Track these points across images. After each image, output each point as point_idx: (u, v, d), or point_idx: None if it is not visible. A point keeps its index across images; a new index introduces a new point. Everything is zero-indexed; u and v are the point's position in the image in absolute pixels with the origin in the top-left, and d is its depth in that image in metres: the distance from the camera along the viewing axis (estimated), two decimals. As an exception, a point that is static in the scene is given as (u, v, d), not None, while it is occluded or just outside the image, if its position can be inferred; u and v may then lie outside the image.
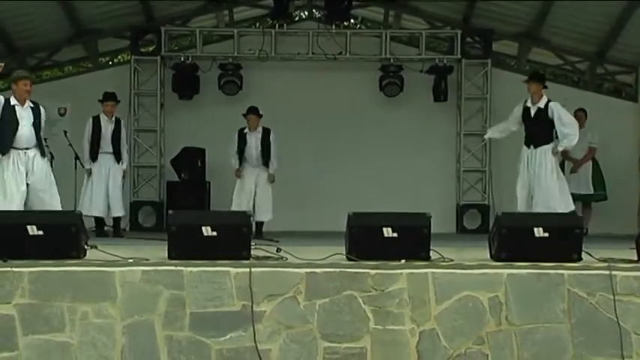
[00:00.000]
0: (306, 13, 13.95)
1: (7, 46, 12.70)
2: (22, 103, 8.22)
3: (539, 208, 8.72)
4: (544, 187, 8.89)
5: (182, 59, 12.91)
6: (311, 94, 12.73)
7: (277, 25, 13.01)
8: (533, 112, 9.05)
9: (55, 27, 12.68)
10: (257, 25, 13.79)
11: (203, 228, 6.54)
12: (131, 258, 6.60)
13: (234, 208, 10.52)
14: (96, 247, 7.06)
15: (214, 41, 13.32)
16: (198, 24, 13.43)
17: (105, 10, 12.59)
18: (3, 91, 12.91)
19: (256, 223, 10.49)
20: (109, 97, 10.81)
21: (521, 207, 9.04)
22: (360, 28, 14.16)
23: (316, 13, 13.77)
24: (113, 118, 10.72)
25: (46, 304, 6.25)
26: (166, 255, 6.58)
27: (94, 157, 10.53)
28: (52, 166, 8.68)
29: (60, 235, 6.56)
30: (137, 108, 12.72)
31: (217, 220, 6.75)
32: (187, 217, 7.01)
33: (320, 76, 12.88)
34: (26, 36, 12.65)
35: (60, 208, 8.14)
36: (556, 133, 9.01)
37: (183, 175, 12.29)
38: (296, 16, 13.72)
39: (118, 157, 10.67)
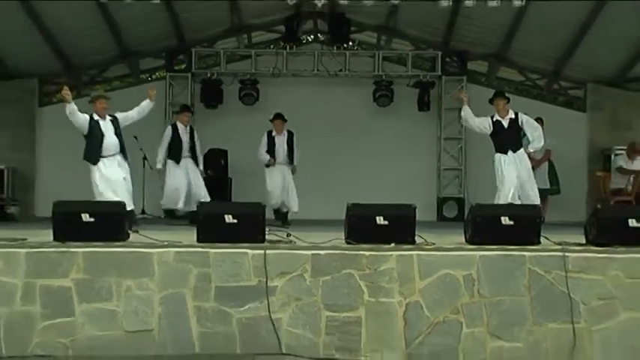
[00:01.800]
0: (312, 36, 13.91)
1: (64, 64, 12.72)
2: (103, 117, 8.28)
3: (524, 202, 8.61)
4: (529, 184, 8.80)
5: (209, 75, 12.91)
6: (316, 105, 12.73)
7: (288, 47, 13.02)
8: (505, 123, 8.90)
9: (105, 49, 12.68)
10: (271, 46, 13.77)
11: (226, 216, 6.55)
12: (166, 241, 6.61)
13: (271, 199, 10.47)
14: (137, 232, 7.08)
15: (235, 60, 13.29)
16: (222, 46, 13.40)
17: (145, 35, 12.59)
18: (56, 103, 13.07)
19: (285, 212, 10.59)
20: (186, 108, 10.76)
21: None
22: (357, 49, 14.09)
23: (321, 37, 13.72)
24: (188, 127, 10.52)
25: (96, 279, 6.26)
26: (195, 239, 6.59)
27: (177, 160, 10.32)
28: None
29: (108, 222, 6.58)
30: (171, 116, 12.69)
31: (237, 210, 6.75)
32: (213, 207, 7.04)
33: (323, 90, 12.87)
34: (81, 56, 12.66)
35: (131, 201, 8.34)
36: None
37: (209, 173, 12.24)
38: (304, 39, 13.68)
39: (196, 161, 10.47)
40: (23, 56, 12.23)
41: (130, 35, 12.46)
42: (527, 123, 8.95)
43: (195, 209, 10.08)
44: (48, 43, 11.81)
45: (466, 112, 9.01)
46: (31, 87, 12.99)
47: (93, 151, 8.26)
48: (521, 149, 8.89)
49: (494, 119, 8.92)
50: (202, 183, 10.42)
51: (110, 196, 8.04)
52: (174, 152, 10.35)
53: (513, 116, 8.92)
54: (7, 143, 12.74)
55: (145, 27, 12.27)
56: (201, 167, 10.63)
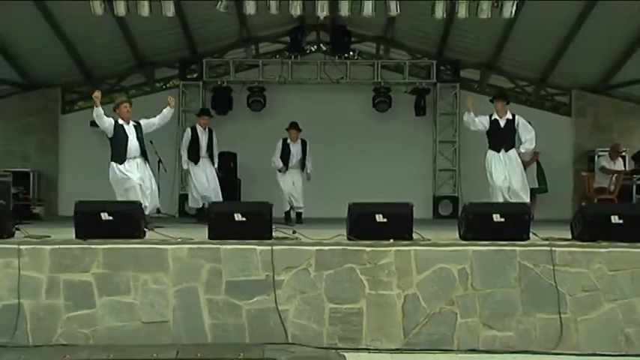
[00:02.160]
0: (315, 47, 13.86)
1: (86, 74, 12.74)
2: (127, 122, 8.29)
3: (513, 199, 8.55)
4: (519, 182, 8.74)
5: (219, 84, 12.88)
6: (319, 110, 12.69)
7: (293, 57, 12.97)
8: (502, 123, 8.85)
9: (122, 60, 12.69)
10: (277, 56, 13.72)
11: (235, 215, 6.54)
12: (180, 238, 6.61)
13: (285, 201, 10.54)
14: (153, 229, 7.07)
15: (244, 69, 13.26)
16: (231, 56, 13.37)
17: (160, 46, 12.58)
18: (84, 109, 13.08)
19: (297, 212, 10.63)
20: (205, 112, 10.70)
21: (499, 197, 8.79)
22: (357, 58, 14.04)
23: (323, 47, 13.69)
24: (207, 130, 10.42)
25: (115, 274, 6.27)
26: (207, 236, 6.58)
27: (195, 160, 10.26)
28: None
29: (125, 220, 6.57)
30: (184, 122, 12.69)
31: (246, 209, 6.74)
32: (223, 206, 7.02)
33: (326, 96, 12.84)
34: (100, 67, 12.67)
35: (158, 201, 8.53)
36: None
37: (219, 174, 12.25)
38: (307, 49, 13.63)
39: (212, 160, 10.39)
40: (47, 68, 12.25)
41: (146, 47, 12.47)
42: (524, 126, 8.87)
43: (205, 206, 10.13)
44: (70, 55, 11.83)
45: (471, 117, 8.94)
46: (54, 96, 13.01)
47: (118, 152, 8.30)
48: (513, 149, 8.85)
49: (493, 118, 8.88)
50: (217, 182, 10.36)
51: (122, 194, 8.14)
52: (192, 153, 10.30)
53: (511, 117, 8.88)
54: (32, 148, 12.80)
55: (159, 39, 12.26)
56: (216, 166, 10.51)
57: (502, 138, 8.82)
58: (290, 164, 10.69)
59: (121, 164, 8.27)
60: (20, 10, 9.77)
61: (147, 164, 8.55)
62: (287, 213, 10.66)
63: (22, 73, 12.07)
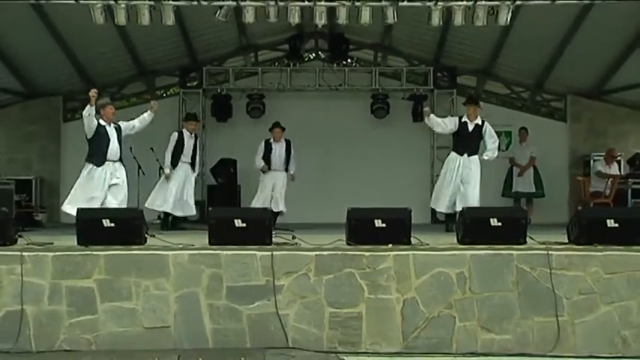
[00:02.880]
0: (314, 54, 13.89)
1: (87, 83, 12.71)
2: (109, 124, 8.25)
3: (459, 205, 8.46)
4: (470, 187, 8.71)
5: (219, 91, 12.90)
6: (318, 117, 12.71)
7: (292, 64, 13.01)
8: (470, 127, 8.85)
9: (123, 68, 12.71)
10: (276, 64, 13.75)
11: (235, 221, 6.55)
12: (180, 244, 6.61)
13: (255, 202, 10.32)
14: (154, 236, 7.07)
15: (243, 77, 13.28)
16: (231, 64, 13.39)
17: (160, 54, 12.60)
18: (79, 119, 13.07)
19: (275, 213, 10.37)
20: (190, 116, 10.50)
21: (443, 203, 8.83)
22: (355, 66, 14.07)
23: (322, 55, 13.71)
24: (193, 135, 10.25)
25: (117, 279, 6.26)
26: (207, 242, 6.58)
27: (174, 164, 10.00)
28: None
29: (127, 227, 6.58)
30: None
31: (246, 215, 6.76)
32: (223, 212, 7.01)
33: (325, 103, 12.85)
34: (101, 75, 12.67)
35: (126, 205, 8.17)
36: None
37: (220, 180, 12.27)
38: (306, 57, 13.66)
39: (193, 166, 10.20)
40: (49, 76, 12.27)
41: (147, 55, 12.48)
42: (489, 133, 8.85)
43: (178, 215, 9.96)
44: (71, 63, 11.84)
45: (431, 119, 8.94)
46: (56, 104, 13.02)
47: (99, 154, 8.16)
48: (476, 155, 8.81)
49: (462, 120, 8.89)
50: (190, 194, 10.07)
51: (89, 196, 8.01)
52: (174, 157, 10.08)
53: (480, 122, 8.88)
54: (35, 156, 12.81)
55: (160, 48, 12.28)
56: (195, 174, 10.26)
57: (467, 142, 8.82)
58: (273, 165, 10.56)
59: (99, 167, 8.11)
60: (22, 19, 9.78)
61: (122, 167, 8.39)
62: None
63: (24, 82, 12.08)
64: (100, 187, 8.11)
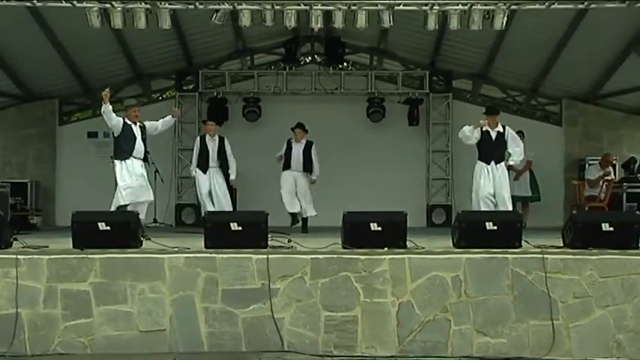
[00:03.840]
0: (310, 58, 13.89)
1: (83, 86, 12.75)
2: (135, 123, 8.42)
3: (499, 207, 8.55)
4: (507, 193, 8.68)
5: (215, 94, 12.89)
6: (314, 120, 12.58)
7: (288, 68, 13.01)
8: (493, 135, 8.79)
9: (120, 71, 12.69)
10: (272, 67, 13.74)
11: (231, 224, 6.55)
12: (176, 247, 6.60)
13: (285, 204, 10.35)
14: (149, 239, 7.06)
15: (239, 80, 13.29)
16: (227, 67, 13.39)
17: (156, 58, 12.60)
18: (82, 120, 13.10)
19: (304, 218, 10.47)
20: (207, 119, 10.71)
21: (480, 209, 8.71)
22: (351, 69, 14.08)
23: (318, 59, 13.72)
24: (216, 137, 10.34)
25: (112, 283, 6.25)
26: (203, 245, 6.58)
27: (204, 169, 10.20)
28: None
29: (122, 230, 6.57)
30: (181, 132, 12.71)
31: (242, 218, 6.76)
32: (219, 216, 7.03)
33: (321, 107, 12.83)
34: (98, 78, 12.66)
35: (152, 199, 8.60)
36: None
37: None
38: (302, 60, 13.68)
39: (223, 169, 10.25)
40: (44, 79, 12.25)
41: (143, 59, 12.47)
42: (513, 138, 8.85)
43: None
44: (67, 66, 11.83)
45: (472, 132, 8.95)
46: (51, 107, 13.00)
47: (125, 151, 8.39)
48: (502, 162, 8.81)
49: (484, 129, 8.87)
50: (226, 194, 10.21)
51: (130, 191, 8.21)
52: (200, 162, 10.25)
53: (501, 130, 8.86)
54: (30, 159, 12.79)
55: (156, 51, 12.27)
56: (233, 177, 10.34)
57: (493, 150, 8.79)
58: (292, 165, 10.52)
59: (126, 160, 8.34)
60: (18, 22, 9.77)
61: (144, 167, 8.61)
62: (293, 215, 10.50)
63: (20, 84, 12.07)
64: (133, 178, 8.32)
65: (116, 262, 6.29)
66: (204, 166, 10.23)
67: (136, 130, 8.52)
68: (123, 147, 8.42)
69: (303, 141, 10.60)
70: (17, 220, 10.30)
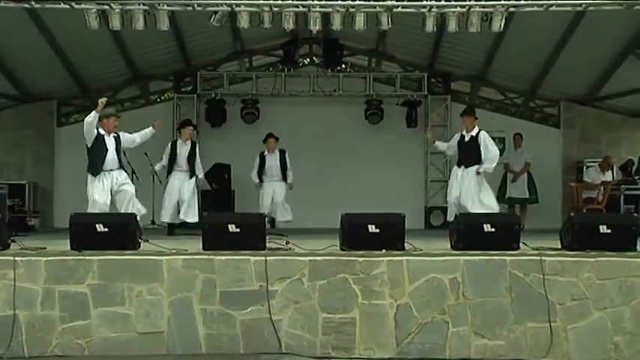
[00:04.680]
0: (308, 60, 13.91)
1: (81, 87, 12.75)
2: (108, 134, 8.20)
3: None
4: (468, 201, 8.62)
5: (213, 96, 12.91)
6: (312, 122, 12.74)
7: (286, 70, 13.04)
8: (467, 138, 8.81)
9: (118, 73, 12.70)
10: (270, 69, 13.76)
11: (229, 226, 6.55)
12: (174, 249, 6.60)
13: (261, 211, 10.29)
14: (147, 241, 7.04)
15: (238, 82, 13.29)
16: (225, 69, 13.40)
17: (155, 59, 12.60)
18: (80, 122, 13.07)
19: (274, 221, 10.57)
20: (185, 123, 10.34)
21: (451, 213, 8.62)
22: (349, 71, 14.09)
23: (316, 60, 13.74)
24: (188, 142, 10.08)
25: (110, 285, 6.25)
26: (201, 247, 6.58)
27: (169, 172, 9.97)
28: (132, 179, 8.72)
29: (120, 232, 6.56)
30: (179, 134, 12.65)
31: (240, 220, 6.74)
32: (217, 217, 7.00)
33: (319, 109, 12.88)
34: (96, 80, 12.68)
35: (141, 209, 8.19)
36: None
37: (214, 185, 12.23)
38: (300, 62, 13.69)
39: (191, 173, 9.95)
40: (43, 80, 12.26)
41: (141, 60, 12.48)
42: (484, 143, 8.70)
43: (177, 222, 9.89)
44: (65, 68, 11.82)
45: (440, 145, 9.27)
46: (49, 109, 13.00)
47: (96, 164, 8.08)
48: (474, 167, 8.68)
49: (462, 133, 8.91)
50: (193, 200, 9.90)
51: (102, 206, 7.92)
52: (169, 165, 10.00)
53: (474, 134, 8.83)
54: (28, 160, 12.79)
55: (154, 53, 12.28)
56: (199, 177, 10.05)
57: (464, 154, 8.79)
58: (270, 176, 10.72)
59: (96, 175, 8.05)
60: (16, 23, 9.77)
61: (122, 172, 8.31)
62: (271, 220, 10.65)
63: (18, 85, 12.06)
64: (101, 193, 8.03)
65: (114, 263, 6.28)
66: (170, 169, 9.95)
67: (109, 141, 8.16)
68: (92, 160, 8.08)
69: (277, 151, 10.73)
70: (15, 222, 10.29)
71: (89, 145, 8.13)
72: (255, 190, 11.08)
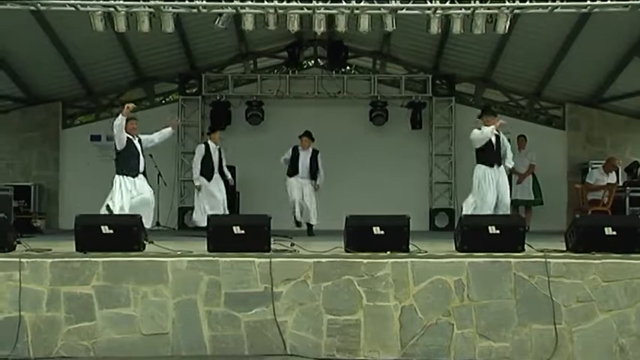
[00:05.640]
0: (313, 62, 13.92)
1: (86, 89, 12.79)
2: (134, 138, 8.29)
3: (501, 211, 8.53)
4: (507, 196, 8.63)
5: (218, 98, 12.91)
6: (317, 124, 12.62)
7: (290, 71, 13.06)
8: (493, 139, 8.68)
9: (123, 75, 12.73)
10: (275, 71, 13.78)
11: (234, 227, 6.55)
12: (179, 251, 6.61)
13: (292, 210, 10.46)
14: (152, 242, 7.06)
15: (242, 84, 13.29)
16: (230, 71, 13.41)
17: (160, 61, 12.62)
18: (85, 124, 13.13)
19: (307, 224, 10.52)
20: (216, 127, 10.72)
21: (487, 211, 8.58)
22: (354, 73, 14.10)
23: (320, 62, 13.74)
24: (218, 146, 10.37)
25: (115, 286, 6.26)
26: (206, 248, 6.58)
27: (209, 177, 10.25)
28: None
29: (125, 233, 6.58)
30: (184, 136, 12.73)
31: (245, 221, 6.76)
32: (222, 219, 7.03)
33: (324, 110, 12.85)
34: (101, 82, 12.71)
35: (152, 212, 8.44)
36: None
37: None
38: (305, 64, 13.70)
39: (223, 176, 10.37)
40: (49, 83, 12.29)
41: (146, 62, 12.50)
42: (503, 141, 8.80)
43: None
44: (71, 70, 11.86)
45: (480, 132, 8.84)
46: (55, 110, 13.02)
47: (132, 167, 8.26)
48: (502, 165, 8.76)
49: (495, 133, 8.80)
50: (225, 198, 10.30)
51: (127, 210, 8.05)
52: (205, 170, 10.25)
53: (497, 133, 8.84)
54: (33, 162, 12.81)
55: (159, 55, 12.30)
56: (229, 178, 10.44)
57: (495, 153, 8.74)
58: (299, 172, 10.60)
59: (134, 177, 8.22)
60: (22, 25, 9.80)
61: (144, 177, 8.51)
62: (297, 223, 10.59)
63: (24, 88, 12.10)
64: (126, 197, 8.17)
65: (119, 265, 6.30)
66: (209, 174, 10.25)
67: (137, 144, 8.38)
68: (127, 163, 8.25)
69: (310, 149, 10.67)
70: (20, 224, 10.29)
71: (119, 149, 8.27)
72: (260, 191, 11.08)
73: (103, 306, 6.23)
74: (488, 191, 8.60)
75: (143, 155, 8.47)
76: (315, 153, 10.70)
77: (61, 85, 12.45)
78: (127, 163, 8.28)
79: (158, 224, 11.27)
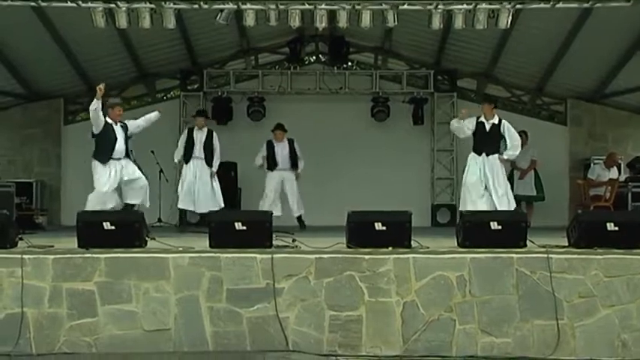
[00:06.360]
0: (314, 57, 13.90)
1: (88, 86, 12.73)
2: (116, 123, 8.31)
3: (494, 204, 8.44)
4: (494, 188, 8.57)
5: (219, 94, 12.91)
6: (319, 120, 12.71)
7: (292, 67, 13.01)
8: (488, 126, 8.73)
9: (124, 71, 12.72)
10: (277, 67, 13.75)
11: (236, 224, 6.55)
12: (181, 247, 6.61)
13: (264, 202, 10.40)
14: (154, 238, 7.06)
15: (244, 80, 13.29)
16: (231, 67, 13.40)
17: (161, 57, 12.62)
18: (87, 120, 13.11)
19: (297, 219, 10.59)
20: (199, 113, 10.67)
21: (473, 203, 8.53)
22: (355, 69, 14.09)
23: (322, 58, 13.73)
24: (205, 130, 10.29)
25: (117, 282, 6.27)
26: (208, 244, 6.58)
27: (187, 160, 10.15)
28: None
29: (127, 229, 6.58)
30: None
31: (246, 217, 6.76)
32: (223, 215, 7.03)
33: (325, 106, 12.86)
34: (103, 78, 12.57)
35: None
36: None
37: (220, 184, 12.22)
38: (306, 60, 13.68)
39: (209, 162, 10.17)
40: (50, 79, 12.29)
41: (148, 58, 12.50)
42: (509, 131, 8.73)
43: (202, 212, 10.00)
44: (73, 66, 11.85)
45: (459, 123, 8.92)
46: (57, 107, 13.02)
47: (104, 152, 8.23)
48: (495, 154, 8.72)
49: (479, 120, 8.83)
50: (211, 188, 10.09)
51: (106, 195, 8.10)
52: (185, 153, 10.19)
53: (496, 121, 8.81)
54: (35, 158, 12.82)
55: (160, 51, 12.29)
56: (214, 169, 10.20)
57: (485, 141, 8.72)
58: (278, 165, 10.69)
59: (104, 163, 8.19)
60: (23, 21, 9.80)
61: (130, 160, 8.46)
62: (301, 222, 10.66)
63: (25, 84, 12.10)
64: (107, 181, 8.18)
65: (121, 261, 6.30)
66: (187, 156, 10.14)
67: (117, 130, 8.34)
68: (101, 148, 8.23)
69: (285, 140, 10.72)
70: (22, 220, 10.30)
71: (96, 132, 8.26)
72: (261, 188, 11.05)
73: (105, 302, 6.24)
74: (472, 175, 8.62)
75: (126, 141, 8.39)
76: (291, 142, 10.76)
77: (63, 81, 12.45)
78: (102, 147, 8.24)
79: (160, 220, 11.28)
